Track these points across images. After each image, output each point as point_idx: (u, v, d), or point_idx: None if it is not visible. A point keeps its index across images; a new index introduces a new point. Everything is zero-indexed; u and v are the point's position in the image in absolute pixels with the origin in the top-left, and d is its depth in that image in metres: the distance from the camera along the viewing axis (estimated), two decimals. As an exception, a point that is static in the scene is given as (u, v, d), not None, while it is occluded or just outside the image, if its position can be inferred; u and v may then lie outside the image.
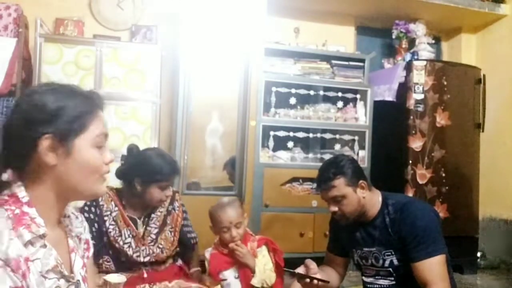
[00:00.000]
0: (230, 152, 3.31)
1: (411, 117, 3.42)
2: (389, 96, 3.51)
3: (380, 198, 1.78)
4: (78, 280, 0.96)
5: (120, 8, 3.53)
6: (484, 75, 3.72)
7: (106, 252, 1.84)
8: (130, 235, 1.85)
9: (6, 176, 0.91)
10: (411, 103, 3.43)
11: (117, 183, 1.93)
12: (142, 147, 2.02)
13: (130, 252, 1.83)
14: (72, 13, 3.35)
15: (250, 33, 3.23)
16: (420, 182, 3.40)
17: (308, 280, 1.63)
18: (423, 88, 3.43)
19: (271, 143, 3.35)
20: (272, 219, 3.20)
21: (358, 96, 3.55)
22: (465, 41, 4.41)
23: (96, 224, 1.83)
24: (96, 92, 0.99)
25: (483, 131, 3.71)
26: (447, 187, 3.45)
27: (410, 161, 3.40)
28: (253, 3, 3.23)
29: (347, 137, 3.56)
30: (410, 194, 3.35)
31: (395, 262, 1.71)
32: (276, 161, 3.35)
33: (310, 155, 3.52)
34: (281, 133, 3.37)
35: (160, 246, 1.89)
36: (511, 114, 3.90)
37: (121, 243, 1.82)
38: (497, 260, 3.79)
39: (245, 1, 3.23)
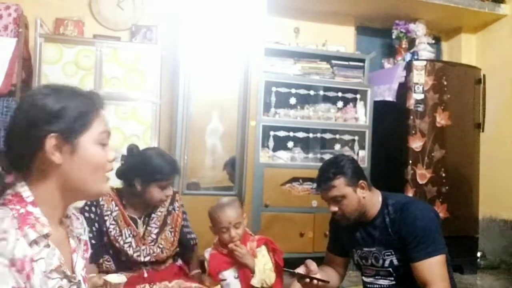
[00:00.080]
0: (230, 152, 3.31)
1: (411, 117, 3.42)
2: (389, 96, 3.51)
3: (380, 198, 1.78)
4: (79, 280, 0.96)
5: (120, 8, 3.53)
6: (484, 75, 3.72)
7: (107, 251, 1.84)
8: (131, 235, 1.85)
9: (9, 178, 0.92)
10: (411, 103, 3.43)
11: (117, 183, 1.93)
12: (142, 147, 2.02)
13: (130, 251, 1.83)
14: (72, 13, 3.35)
15: (250, 33, 3.23)
16: (420, 182, 3.40)
17: (308, 280, 1.63)
18: (423, 88, 3.43)
19: (271, 143, 3.35)
20: (272, 219, 3.20)
21: (358, 96, 3.55)
22: (465, 41, 4.41)
23: (96, 224, 1.83)
24: (96, 92, 1.01)
25: (483, 131, 3.71)
26: (447, 187, 3.45)
27: (410, 161, 3.40)
28: (253, 3, 3.24)
29: (347, 137, 3.56)
30: (410, 194, 3.35)
31: (395, 262, 1.71)
32: (276, 161, 3.35)
33: (310, 155, 3.52)
34: (281, 133, 3.37)
35: (160, 246, 1.89)
36: (511, 114, 3.90)
37: (121, 242, 1.82)
38: (497, 260, 3.79)
39: (245, 1, 3.23)
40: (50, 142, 0.88)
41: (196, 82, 3.18)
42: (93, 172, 0.94)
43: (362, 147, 3.51)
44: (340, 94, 3.52)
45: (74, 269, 0.96)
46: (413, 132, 3.41)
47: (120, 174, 1.89)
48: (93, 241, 1.74)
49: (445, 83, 3.49)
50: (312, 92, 3.49)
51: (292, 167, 3.34)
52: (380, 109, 3.56)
